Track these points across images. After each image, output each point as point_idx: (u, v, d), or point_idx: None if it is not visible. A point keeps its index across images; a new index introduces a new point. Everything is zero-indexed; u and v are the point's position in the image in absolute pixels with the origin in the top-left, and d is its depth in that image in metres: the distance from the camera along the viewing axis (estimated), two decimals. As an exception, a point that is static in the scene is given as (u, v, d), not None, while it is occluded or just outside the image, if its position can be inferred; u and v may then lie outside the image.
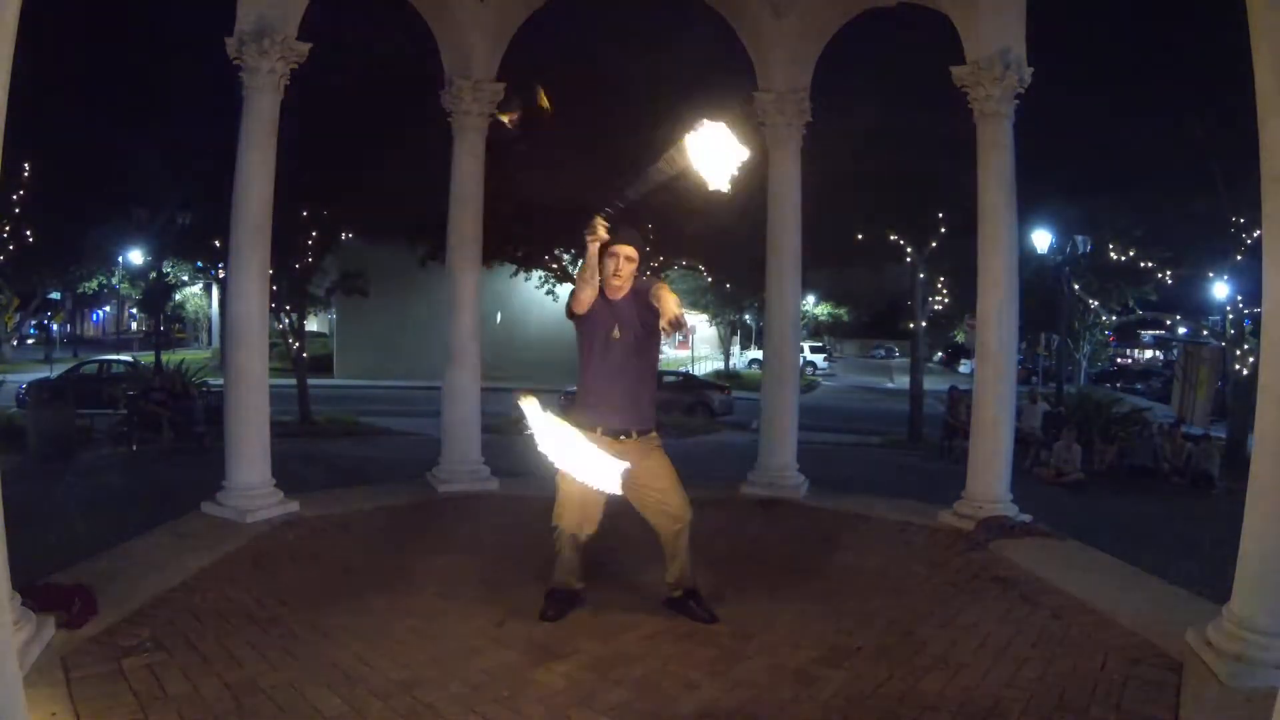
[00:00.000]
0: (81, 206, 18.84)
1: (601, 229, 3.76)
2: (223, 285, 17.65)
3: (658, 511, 4.10)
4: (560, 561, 4.23)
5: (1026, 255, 15.21)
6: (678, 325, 3.63)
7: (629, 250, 4.01)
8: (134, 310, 48.49)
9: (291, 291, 16.75)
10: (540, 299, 22.96)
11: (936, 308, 27.05)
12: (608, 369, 4.02)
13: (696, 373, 31.62)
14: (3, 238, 18.95)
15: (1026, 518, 6.22)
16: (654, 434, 4.16)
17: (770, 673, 3.64)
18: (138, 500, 7.45)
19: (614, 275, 3.99)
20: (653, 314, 3.90)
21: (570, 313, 4.06)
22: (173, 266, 27.59)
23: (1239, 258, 15.53)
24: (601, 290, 4.02)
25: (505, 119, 3.77)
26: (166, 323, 36.78)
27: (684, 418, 20.08)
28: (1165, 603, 4.59)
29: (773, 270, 7.44)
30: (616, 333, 4.02)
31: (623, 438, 4.01)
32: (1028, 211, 11.63)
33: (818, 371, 42.04)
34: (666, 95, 13.52)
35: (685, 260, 22.30)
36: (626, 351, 4.02)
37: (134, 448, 11.42)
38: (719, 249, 17.18)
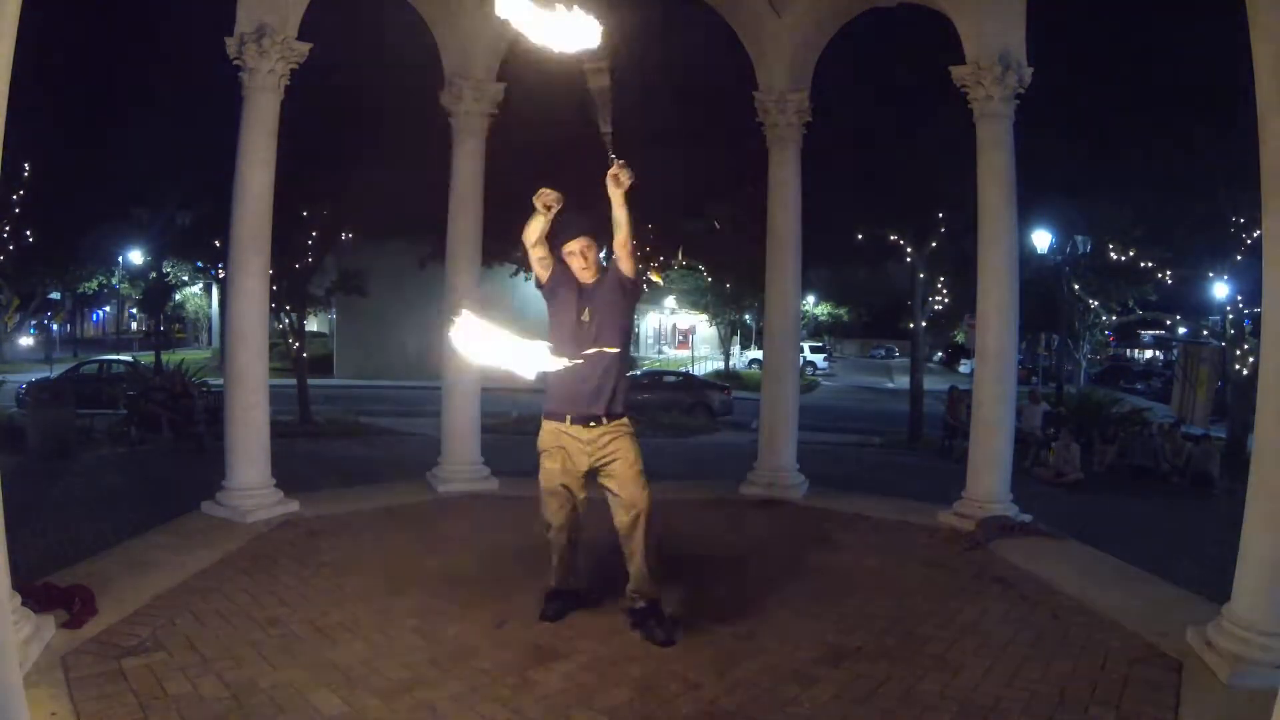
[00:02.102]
0: (81, 206, 18.82)
1: (543, 201, 3.81)
2: (223, 285, 17.64)
3: (613, 499, 3.98)
4: (557, 563, 4.19)
5: (1026, 255, 15.19)
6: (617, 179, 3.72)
7: (582, 243, 4.02)
8: (134, 310, 48.45)
9: (291, 291, 16.74)
10: (540, 299, 22.91)
11: (936, 308, 27.02)
12: (576, 353, 3.92)
13: (696, 373, 31.58)
14: (3, 238, 18.94)
15: (1026, 518, 6.22)
16: (625, 420, 4.05)
17: (770, 673, 3.64)
18: (138, 500, 7.44)
19: (582, 270, 4.03)
20: (624, 294, 4.00)
21: (539, 284, 4.11)
22: (173, 266, 27.55)
23: (1239, 258, 15.52)
24: (574, 274, 4.05)
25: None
26: (166, 323, 36.76)
27: (684, 418, 20.05)
28: (1165, 603, 4.60)
29: (773, 270, 7.44)
30: (586, 315, 3.99)
31: (592, 424, 3.95)
32: (1028, 211, 11.62)
33: (818, 371, 41.99)
34: (667, 94, 13.54)
35: (685, 260, 22.33)
36: (596, 336, 3.96)
37: (134, 448, 11.41)
38: (719, 249, 17.19)
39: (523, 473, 7.89)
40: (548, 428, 4.08)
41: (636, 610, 4.02)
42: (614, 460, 3.97)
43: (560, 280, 4.07)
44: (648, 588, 3.99)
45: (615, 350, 4.02)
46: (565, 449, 4.01)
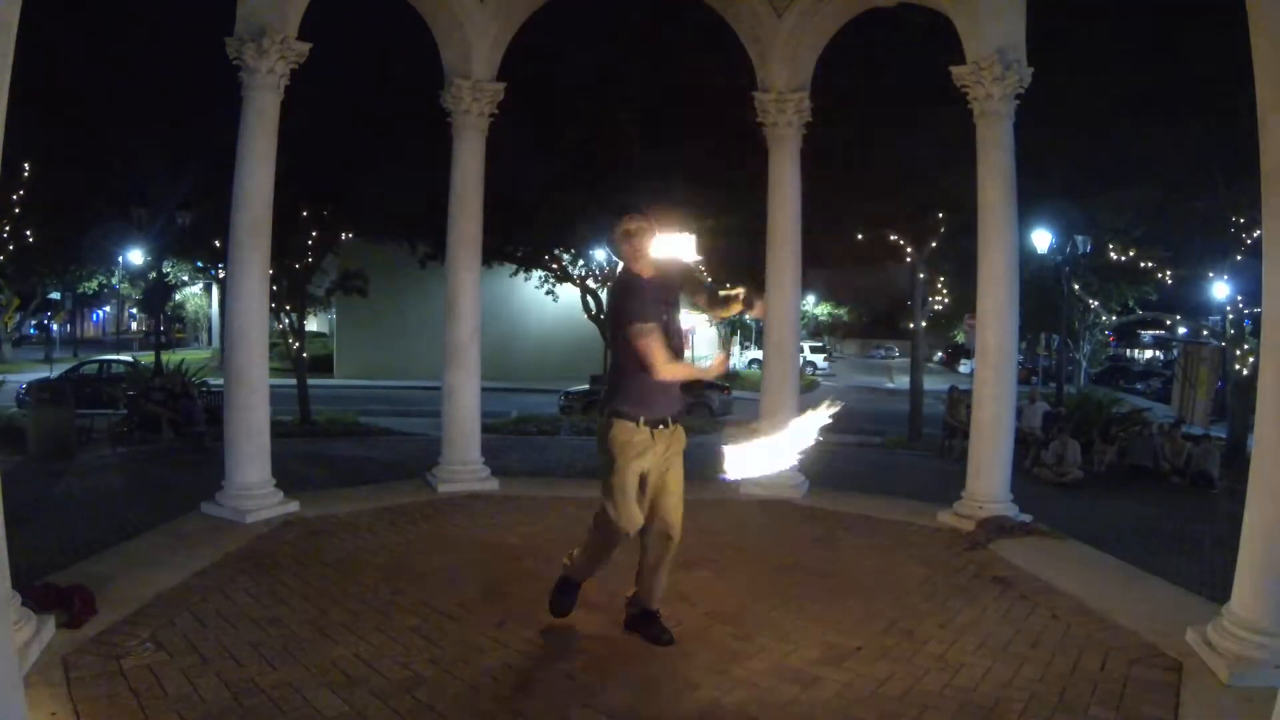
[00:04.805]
0: (81, 206, 18.81)
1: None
2: (223, 285, 17.65)
3: (663, 520, 3.82)
4: (596, 563, 3.99)
5: (1026, 255, 15.19)
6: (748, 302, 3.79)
7: (631, 225, 3.75)
8: (134, 310, 48.46)
9: (291, 291, 16.74)
10: (540, 299, 22.95)
11: (936, 308, 27.03)
12: (671, 353, 3.74)
13: (696, 373, 31.52)
14: (3, 238, 18.93)
15: (1026, 518, 6.22)
16: (680, 428, 3.93)
17: (770, 673, 3.64)
18: (138, 500, 7.45)
19: (635, 258, 3.77)
20: (677, 297, 3.85)
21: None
22: (173, 266, 27.58)
23: (1239, 258, 15.52)
24: (639, 270, 3.79)
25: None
26: (166, 323, 36.74)
27: (684, 417, 20.03)
28: (1165, 603, 4.60)
29: (773, 270, 7.43)
30: (665, 314, 3.77)
31: (661, 427, 3.77)
32: (1028, 211, 11.61)
33: (818, 371, 41.97)
34: (666, 95, 13.55)
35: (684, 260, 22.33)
36: (668, 332, 3.77)
37: (134, 448, 11.41)
38: (719, 248, 17.22)
39: (523, 473, 7.90)
40: (627, 429, 3.74)
41: (634, 616, 4.00)
42: (670, 470, 3.83)
43: (649, 286, 3.82)
44: (653, 602, 3.97)
45: (678, 346, 3.86)
46: (647, 453, 3.77)
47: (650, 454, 3.79)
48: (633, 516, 3.77)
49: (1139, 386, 35.07)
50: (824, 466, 7.88)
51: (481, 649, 3.82)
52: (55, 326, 39.22)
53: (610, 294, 4.09)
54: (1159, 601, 4.62)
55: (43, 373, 22.86)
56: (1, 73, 2.84)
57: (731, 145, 11.08)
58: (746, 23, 7.32)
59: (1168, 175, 14.74)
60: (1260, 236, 3.86)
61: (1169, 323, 30.90)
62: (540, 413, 18.68)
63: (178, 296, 38.93)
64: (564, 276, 20.65)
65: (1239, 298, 17.00)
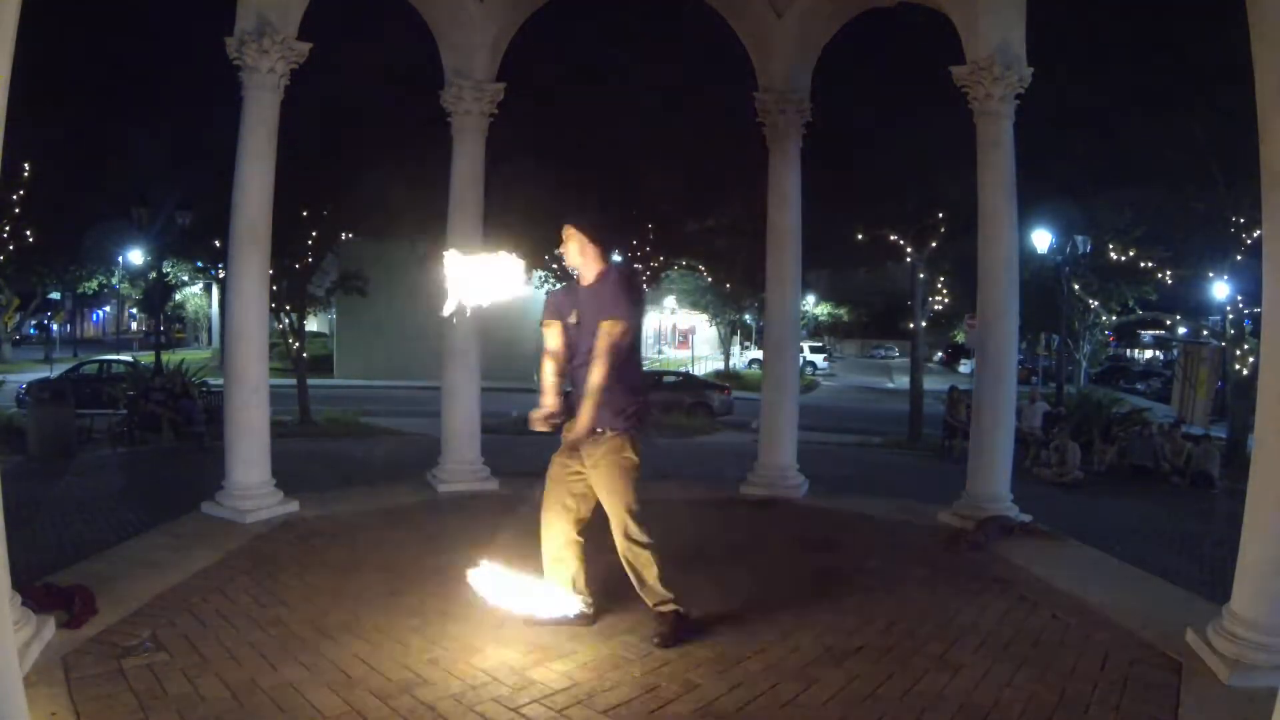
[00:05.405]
0: (81, 206, 18.82)
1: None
2: (223, 285, 17.66)
3: (614, 531, 3.90)
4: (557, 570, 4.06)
5: (1026, 255, 15.19)
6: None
7: (565, 231, 3.93)
8: (134, 310, 48.47)
9: (291, 291, 16.75)
10: (540, 299, 22.97)
11: (936, 308, 27.05)
12: (572, 358, 3.88)
13: (696, 373, 31.58)
14: (3, 238, 18.93)
15: (1026, 518, 6.22)
16: (613, 438, 3.80)
17: (770, 673, 3.64)
18: (138, 500, 7.45)
19: (572, 256, 3.93)
20: (607, 310, 3.77)
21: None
22: (173, 266, 27.58)
23: (1239, 258, 15.52)
24: (576, 276, 4.00)
25: None
26: (166, 323, 36.75)
27: (684, 418, 20.05)
28: (1165, 603, 4.60)
29: (773, 270, 7.44)
30: (574, 318, 3.86)
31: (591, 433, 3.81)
32: (1028, 211, 11.62)
33: (818, 371, 41.97)
34: (666, 94, 13.56)
35: (685, 260, 22.37)
36: (582, 338, 3.82)
37: (134, 448, 11.42)
38: (719, 248, 17.26)
39: (523, 473, 7.90)
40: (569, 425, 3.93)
41: (657, 613, 3.97)
42: (599, 483, 3.86)
43: (562, 300, 4.02)
44: (657, 599, 3.94)
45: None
46: (570, 453, 3.91)
47: (567, 458, 3.93)
48: (544, 498, 4.01)
49: (1139, 386, 35.10)
50: (824, 466, 7.91)
51: (481, 649, 3.81)
52: (55, 326, 39.23)
53: None
54: (1159, 601, 4.62)
55: (43, 373, 22.86)
56: (1, 73, 2.84)
57: (731, 145, 11.09)
58: (746, 23, 7.33)
59: (1168, 175, 14.75)
60: (1260, 236, 3.86)
61: (1169, 323, 30.86)
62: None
63: (178, 296, 38.93)
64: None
65: (1239, 298, 17.00)
